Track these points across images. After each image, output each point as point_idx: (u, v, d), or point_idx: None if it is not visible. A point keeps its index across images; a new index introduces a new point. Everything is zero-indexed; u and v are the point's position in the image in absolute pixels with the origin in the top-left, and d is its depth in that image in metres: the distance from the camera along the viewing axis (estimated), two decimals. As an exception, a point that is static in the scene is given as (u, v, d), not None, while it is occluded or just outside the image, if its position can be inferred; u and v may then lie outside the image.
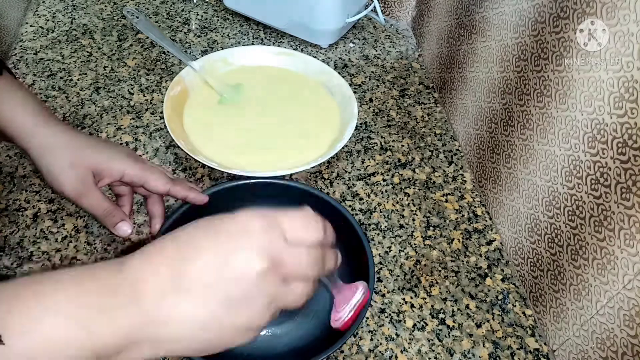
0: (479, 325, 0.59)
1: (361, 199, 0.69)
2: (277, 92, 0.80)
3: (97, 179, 0.54)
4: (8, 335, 0.26)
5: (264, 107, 0.77)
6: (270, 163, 0.68)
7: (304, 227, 0.35)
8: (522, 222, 0.62)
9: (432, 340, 0.57)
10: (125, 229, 0.54)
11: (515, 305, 0.61)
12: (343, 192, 0.70)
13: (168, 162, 0.71)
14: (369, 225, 0.67)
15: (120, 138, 0.73)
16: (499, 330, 0.59)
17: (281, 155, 0.70)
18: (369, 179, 0.72)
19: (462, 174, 0.74)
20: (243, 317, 0.32)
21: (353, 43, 0.93)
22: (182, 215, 0.57)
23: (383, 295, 0.60)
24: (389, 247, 0.65)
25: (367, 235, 0.65)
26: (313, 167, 0.71)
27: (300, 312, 0.56)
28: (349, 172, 0.72)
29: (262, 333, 0.55)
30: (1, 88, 0.52)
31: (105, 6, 0.94)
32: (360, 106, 0.81)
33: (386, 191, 0.71)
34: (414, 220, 0.68)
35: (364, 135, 0.78)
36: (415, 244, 0.65)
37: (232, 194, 0.60)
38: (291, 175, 0.69)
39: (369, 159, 0.74)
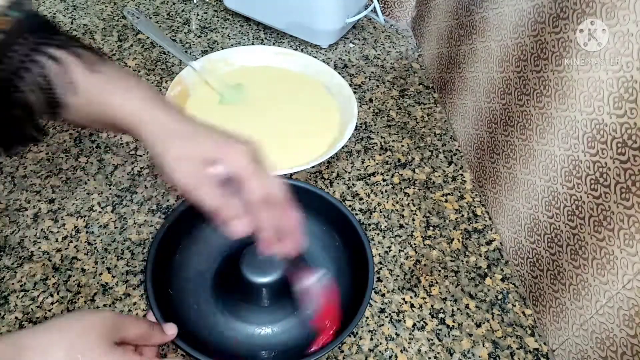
0: (478, 325, 0.59)
1: (361, 199, 0.70)
2: (277, 92, 0.80)
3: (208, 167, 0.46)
4: None
5: (264, 107, 0.78)
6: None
7: None
8: (522, 222, 0.62)
9: (432, 339, 0.57)
10: (236, 228, 0.46)
11: (514, 305, 0.61)
12: (343, 192, 0.70)
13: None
14: (369, 225, 0.67)
15: (121, 138, 0.73)
16: (498, 330, 0.59)
17: (281, 155, 0.70)
18: (369, 179, 0.72)
19: (461, 174, 0.74)
20: None
21: (353, 43, 0.93)
22: (181, 214, 0.57)
23: (383, 295, 0.61)
24: (389, 247, 0.65)
25: (367, 235, 0.65)
26: (313, 167, 0.71)
27: (299, 310, 0.56)
28: (349, 172, 0.72)
29: (261, 331, 0.55)
30: (110, 74, 0.46)
31: (106, 6, 0.94)
32: (360, 106, 0.81)
33: (386, 191, 0.71)
34: (413, 220, 0.68)
35: (363, 135, 0.78)
36: (415, 244, 0.65)
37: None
38: (291, 175, 0.70)
39: (368, 159, 0.74)
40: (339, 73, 0.81)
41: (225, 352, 0.53)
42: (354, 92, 0.78)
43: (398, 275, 0.62)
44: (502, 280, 0.63)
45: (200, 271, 0.58)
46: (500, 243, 0.67)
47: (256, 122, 0.75)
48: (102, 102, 0.45)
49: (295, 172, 0.68)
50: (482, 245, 0.66)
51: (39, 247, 0.61)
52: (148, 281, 0.51)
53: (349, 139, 0.72)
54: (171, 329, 0.47)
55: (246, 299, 0.55)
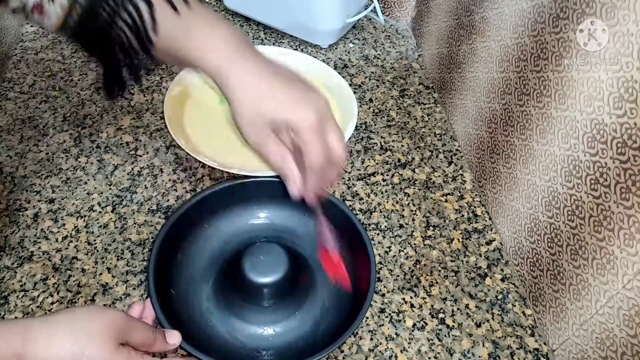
0: (478, 325, 0.59)
1: (361, 199, 0.70)
2: (277, 92, 0.80)
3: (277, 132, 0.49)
4: None
5: (264, 107, 0.77)
6: (270, 163, 0.68)
7: None
8: (522, 222, 0.62)
9: (432, 339, 0.57)
10: (292, 191, 0.52)
11: (514, 305, 0.61)
12: (343, 192, 0.70)
13: (169, 162, 0.71)
14: (369, 225, 0.67)
15: (121, 138, 0.73)
16: (498, 330, 0.59)
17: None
18: (369, 179, 0.72)
19: (461, 174, 0.74)
20: None
21: (353, 43, 0.93)
22: (184, 214, 0.57)
23: (383, 295, 0.61)
24: (389, 247, 0.65)
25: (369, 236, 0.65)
26: (313, 167, 0.71)
27: (301, 310, 0.56)
28: (349, 172, 0.72)
29: (262, 331, 0.55)
30: (195, 16, 0.47)
31: (106, 6, 0.94)
32: (360, 106, 0.81)
33: (386, 191, 0.71)
34: (413, 220, 0.68)
35: (364, 135, 0.78)
36: (415, 244, 0.65)
37: (233, 193, 0.60)
38: (291, 175, 0.70)
39: (369, 159, 0.74)
40: (339, 73, 0.81)
41: (227, 353, 0.53)
42: (354, 92, 0.78)
43: (398, 275, 0.62)
44: (502, 280, 0.63)
45: (202, 271, 0.58)
46: (500, 243, 0.67)
47: (256, 122, 0.75)
48: (183, 45, 0.47)
49: (295, 172, 0.68)
50: (482, 245, 0.66)
51: (39, 247, 0.61)
52: (150, 281, 0.51)
53: (349, 139, 0.72)
54: (173, 338, 0.48)
55: (248, 299, 0.55)
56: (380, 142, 0.77)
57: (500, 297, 0.61)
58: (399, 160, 0.75)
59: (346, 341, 0.56)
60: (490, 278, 0.63)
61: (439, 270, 0.63)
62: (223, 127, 0.74)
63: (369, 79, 0.86)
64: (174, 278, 0.56)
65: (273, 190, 0.62)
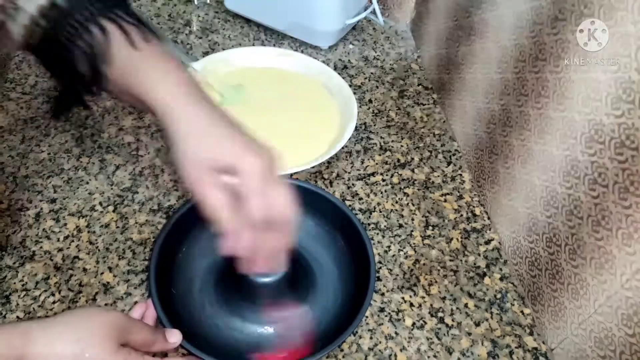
0: (477, 324, 0.59)
1: (361, 198, 0.70)
2: (278, 93, 0.80)
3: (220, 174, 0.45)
4: None
5: (265, 107, 0.78)
6: (270, 163, 0.68)
7: None
8: (521, 222, 0.62)
9: (431, 338, 0.58)
10: (227, 245, 0.46)
11: (513, 304, 0.61)
12: (343, 192, 0.70)
13: (170, 162, 0.71)
14: (369, 225, 0.67)
15: (122, 138, 0.73)
16: (497, 329, 0.59)
17: (281, 155, 0.70)
18: (369, 179, 0.72)
19: (460, 174, 0.74)
20: None
21: (353, 44, 0.93)
22: (185, 214, 0.57)
23: (382, 294, 0.61)
24: (389, 247, 0.65)
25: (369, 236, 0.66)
26: (313, 167, 0.71)
27: (301, 310, 0.57)
28: (349, 172, 0.73)
29: (263, 330, 0.55)
30: (150, 53, 0.46)
31: (107, 7, 0.94)
32: (360, 107, 0.82)
33: (385, 191, 0.71)
34: (413, 219, 0.68)
35: (363, 135, 0.78)
36: (414, 244, 0.66)
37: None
38: (291, 175, 0.70)
39: (368, 159, 0.75)
40: (339, 74, 0.81)
41: (227, 352, 0.53)
42: (354, 93, 0.78)
43: (397, 275, 0.63)
44: (501, 279, 0.63)
45: (202, 270, 0.59)
46: (499, 242, 0.67)
47: (257, 122, 0.75)
48: (136, 81, 0.45)
49: (295, 172, 0.69)
50: (481, 244, 0.67)
51: (41, 247, 0.61)
52: (151, 280, 0.52)
53: (349, 139, 0.72)
54: (173, 337, 0.47)
55: (248, 298, 0.56)
56: (380, 143, 0.77)
57: (499, 296, 0.62)
58: (399, 160, 0.75)
59: (346, 340, 0.56)
60: (489, 277, 0.63)
61: (438, 270, 0.64)
62: (223, 128, 0.74)
63: (369, 80, 0.87)
64: (175, 277, 0.56)
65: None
